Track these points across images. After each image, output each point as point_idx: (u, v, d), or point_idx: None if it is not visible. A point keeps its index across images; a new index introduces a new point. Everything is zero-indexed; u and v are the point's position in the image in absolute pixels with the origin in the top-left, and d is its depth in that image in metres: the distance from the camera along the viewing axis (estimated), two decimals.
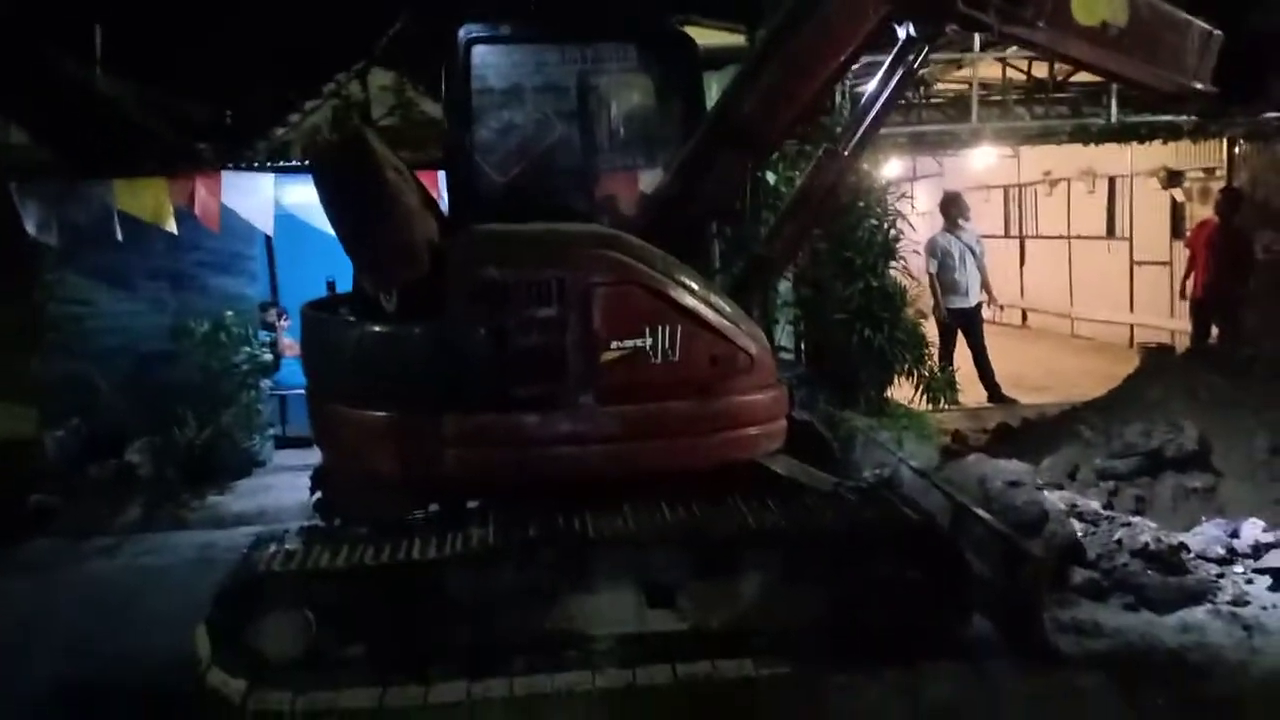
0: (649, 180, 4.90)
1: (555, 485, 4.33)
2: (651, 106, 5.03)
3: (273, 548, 4.07)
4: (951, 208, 9.69)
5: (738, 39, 7.96)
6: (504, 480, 4.35)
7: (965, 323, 9.38)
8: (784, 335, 8.17)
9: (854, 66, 4.93)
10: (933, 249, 9.41)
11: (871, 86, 4.74)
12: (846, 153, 4.70)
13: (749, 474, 4.57)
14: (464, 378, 4.28)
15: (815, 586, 4.18)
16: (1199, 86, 4.79)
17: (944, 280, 9.34)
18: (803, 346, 8.35)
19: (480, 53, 4.92)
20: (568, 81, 5.09)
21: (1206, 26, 4.75)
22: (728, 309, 4.47)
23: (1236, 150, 9.88)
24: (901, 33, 4.56)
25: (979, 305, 9.51)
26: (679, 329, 4.29)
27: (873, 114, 4.67)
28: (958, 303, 9.32)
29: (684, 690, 3.90)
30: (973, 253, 9.43)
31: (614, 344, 4.26)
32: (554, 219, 4.61)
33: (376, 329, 4.47)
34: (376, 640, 3.96)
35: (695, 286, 4.41)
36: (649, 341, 4.26)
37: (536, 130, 4.99)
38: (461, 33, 4.86)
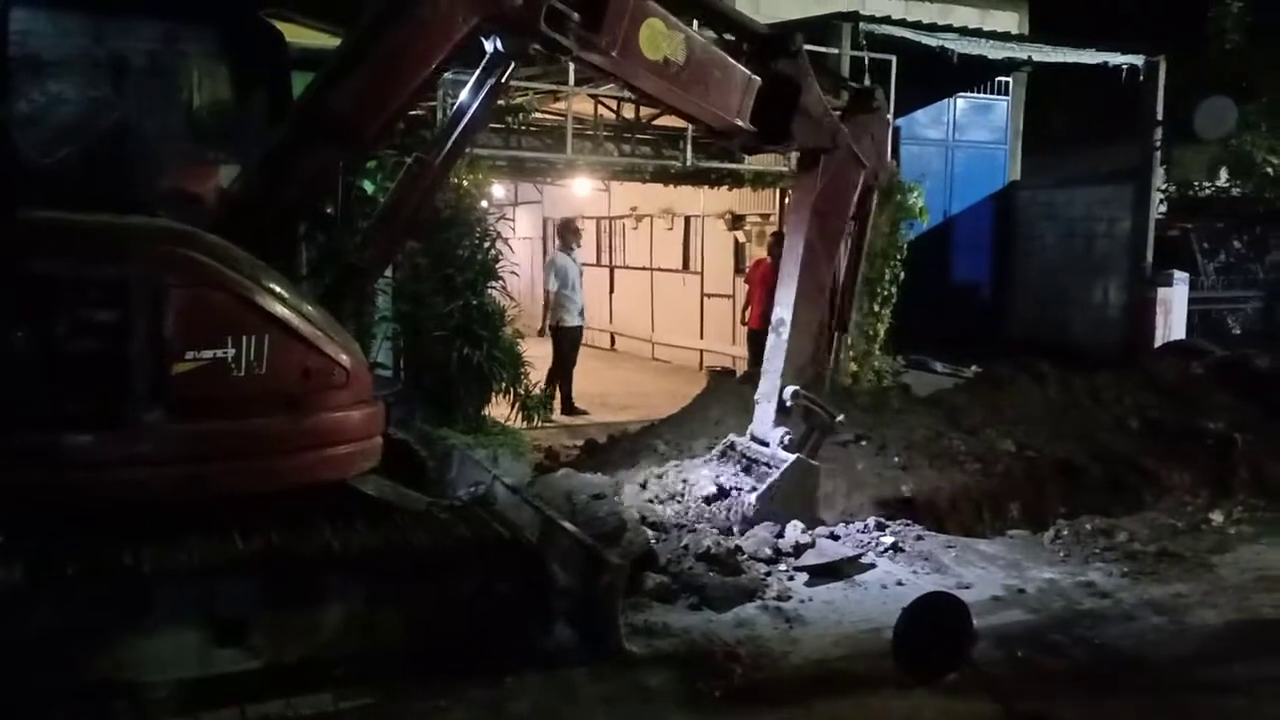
0: (227, 176, 4.51)
1: (114, 512, 3.80)
2: (231, 98, 4.64)
3: None
4: (568, 232, 10.27)
5: (335, 41, 7.67)
6: (47, 508, 3.73)
7: (572, 342, 9.85)
8: (382, 351, 7.98)
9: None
10: (554, 268, 9.85)
11: (462, 98, 4.81)
12: (438, 162, 4.70)
13: (335, 495, 4.35)
14: None
15: (402, 609, 4.08)
16: (741, 124, 5.45)
17: (562, 297, 9.80)
18: (401, 363, 8.21)
19: (22, 17, 4.23)
20: (134, 60, 4.54)
21: (747, 71, 5.43)
22: (321, 319, 4.22)
23: (786, 199, 11.34)
24: (489, 46, 4.67)
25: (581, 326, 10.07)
26: (266, 338, 3.96)
27: (462, 125, 4.72)
28: (571, 320, 9.78)
29: None
30: (580, 276, 9.98)
31: (189, 354, 3.84)
32: (108, 210, 4.06)
33: None
34: None
35: (284, 293, 4.10)
36: (231, 352, 3.90)
37: (91, 109, 4.39)
38: None
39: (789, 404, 5.93)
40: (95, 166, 4.45)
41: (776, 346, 6.02)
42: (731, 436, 6.36)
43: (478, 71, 4.73)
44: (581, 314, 10.07)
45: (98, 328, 3.75)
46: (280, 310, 4.04)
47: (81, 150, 4.44)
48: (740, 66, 5.40)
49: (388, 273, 7.68)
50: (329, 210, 4.69)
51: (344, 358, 4.25)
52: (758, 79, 5.44)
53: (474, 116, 4.72)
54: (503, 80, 4.74)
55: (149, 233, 4.01)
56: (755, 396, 6.17)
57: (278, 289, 4.09)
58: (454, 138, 4.71)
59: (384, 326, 7.86)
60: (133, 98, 4.54)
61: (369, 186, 7.14)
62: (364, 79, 4.37)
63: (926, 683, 1.97)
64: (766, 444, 6.02)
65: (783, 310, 6.02)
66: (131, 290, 3.78)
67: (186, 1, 4.61)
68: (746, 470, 6.09)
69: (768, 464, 5.97)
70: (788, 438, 5.92)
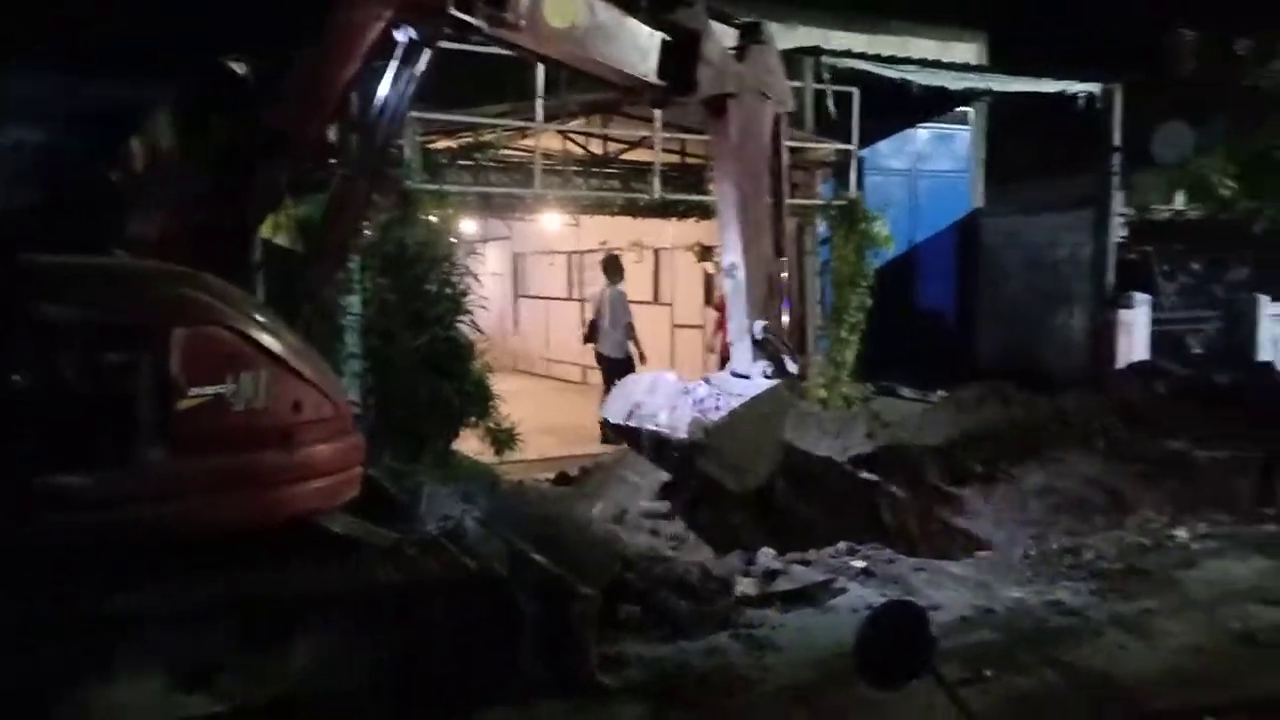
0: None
1: (89, 554, 3.78)
2: (196, 140, 4.69)
3: None
4: (614, 267, 10.61)
5: None
6: (47, 549, 3.67)
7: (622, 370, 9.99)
8: (350, 387, 7.96)
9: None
10: (621, 298, 10.26)
11: (380, 94, 4.78)
12: (363, 173, 4.74)
13: (302, 534, 4.34)
14: None
15: (372, 646, 4.06)
16: (649, 79, 5.57)
17: (628, 327, 10.13)
18: (370, 399, 8.18)
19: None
20: (103, 109, 4.59)
21: (648, 28, 5.53)
22: (306, 351, 4.29)
23: None
24: (401, 37, 4.68)
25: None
26: (264, 373, 4.04)
27: (384, 122, 4.75)
28: (623, 351, 10.08)
29: None
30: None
31: (194, 391, 3.88)
32: (77, 251, 4.08)
33: None
34: None
35: (276, 327, 4.18)
36: (232, 388, 3.95)
37: (55, 157, 4.42)
38: None
39: (760, 338, 6.04)
40: (60, 212, 4.47)
41: (735, 289, 6.13)
42: (707, 375, 6.48)
43: (394, 64, 4.72)
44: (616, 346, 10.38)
45: (106, 370, 3.77)
46: (274, 344, 4.10)
47: (46, 196, 4.47)
48: (640, 23, 5.50)
49: (357, 309, 7.70)
50: (280, 240, 4.74)
51: (328, 389, 4.32)
52: (660, 33, 5.55)
53: (394, 113, 4.74)
54: (420, 70, 4.75)
55: (155, 275, 4.07)
56: (728, 339, 6.34)
57: (270, 324, 4.16)
58: (377, 137, 4.73)
59: (352, 363, 7.84)
60: (100, 145, 4.57)
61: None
62: (293, 90, 4.45)
63: (889, 690, 2.02)
64: (747, 377, 6.10)
65: (731, 255, 6.14)
66: (137, 330, 3.83)
67: (151, 55, 4.67)
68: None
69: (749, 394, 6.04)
70: (769, 369, 6.04)
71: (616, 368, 10.17)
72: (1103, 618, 5.36)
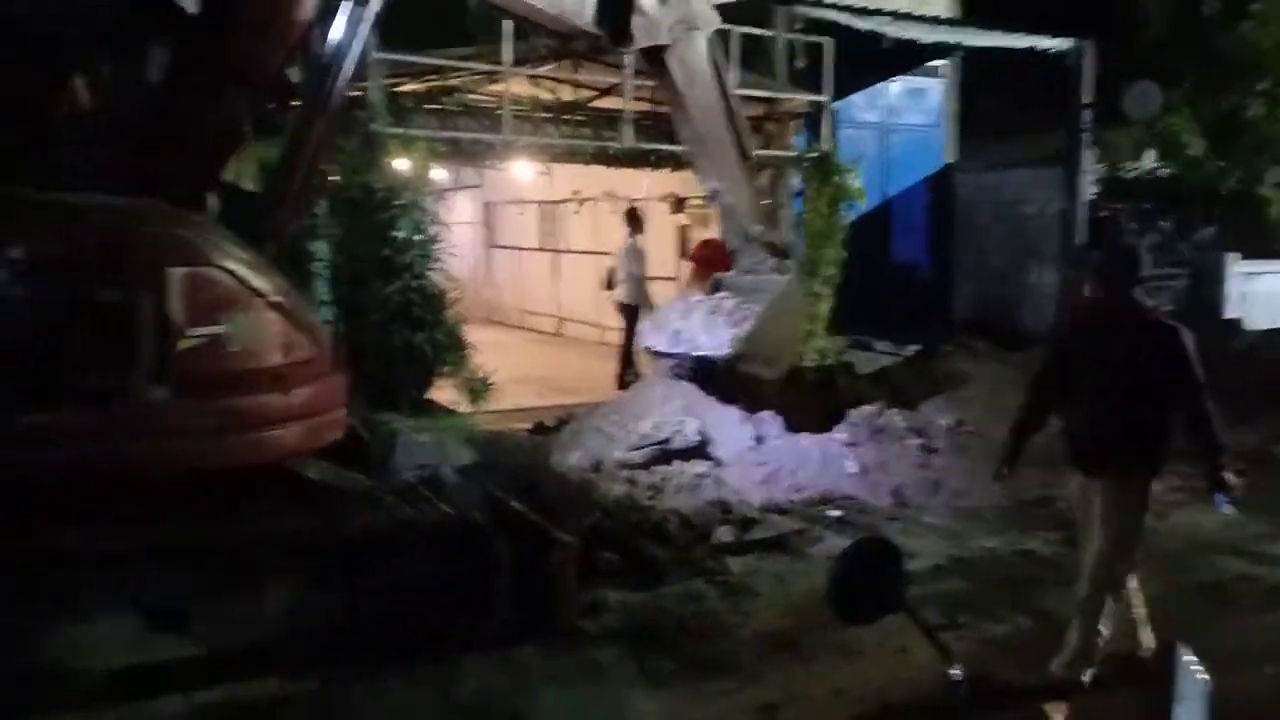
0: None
1: (72, 496, 3.70)
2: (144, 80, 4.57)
3: None
4: (633, 219, 10.87)
5: None
6: (46, 486, 3.64)
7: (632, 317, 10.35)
8: None
9: None
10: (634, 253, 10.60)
11: (336, 36, 4.71)
12: (323, 110, 4.70)
13: (275, 480, 4.27)
14: None
15: (349, 593, 4.02)
16: (586, 27, 5.77)
17: (637, 280, 10.46)
18: (340, 348, 8.04)
19: None
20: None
21: None
22: (291, 292, 4.27)
23: None
24: None
25: None
26: (255, 315, 4.03)
27: (341, 60, 4.68)
28: (635, 300, 10.35)
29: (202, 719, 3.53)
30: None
31: (190, 331, 3.87)
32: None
33: None
34: None
35: (263, 269, 4.14)
36: (226, 328, 3.95)
37: None
38: None
39: (757, 240, 6.80)
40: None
41: (725, 210, 6.83)
42: (718, 275, 7.38)
43: (350, 4, 4.67)
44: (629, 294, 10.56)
45: (101, 308, 3.74)
46: (263, 286, 4.07)
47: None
48: None
49: (326, 255, 7.54)
50: (242, 184, 4.65)
51: (312, 331, 4.31)
52: None
53: (351, 51, 4.68)
54: (375, 8, 4.71)
55: (146, 213, 3.99)
56: (731, 249, 7.11)
57: (257, 265, 4.11)
58: (334, 79, 4.66)
59: (321, 310, 7.68)
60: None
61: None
62: (249, 26, 4.39)
63: (861, 624, 2.02)
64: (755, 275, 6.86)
65: (710, 181, 6.78)
66: (139, 269, 3.81)
67: None
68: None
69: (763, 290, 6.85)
70: (774, 263, 6.80)
71: (628, 314, 10.52)
72: (1072, 566, 5.43)
